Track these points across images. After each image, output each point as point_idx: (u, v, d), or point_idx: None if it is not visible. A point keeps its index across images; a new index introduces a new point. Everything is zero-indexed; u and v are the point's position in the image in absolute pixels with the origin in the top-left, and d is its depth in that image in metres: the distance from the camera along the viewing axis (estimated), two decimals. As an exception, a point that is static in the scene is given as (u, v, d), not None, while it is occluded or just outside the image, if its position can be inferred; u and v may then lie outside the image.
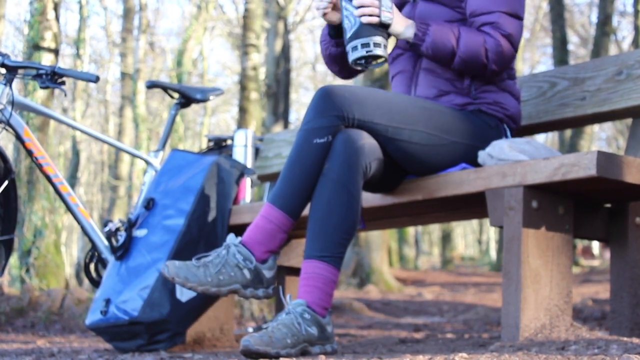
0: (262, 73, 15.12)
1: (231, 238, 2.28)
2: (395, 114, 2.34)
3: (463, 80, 2.48)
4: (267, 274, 2.28)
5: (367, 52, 2.34)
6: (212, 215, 3.02)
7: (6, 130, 3.05)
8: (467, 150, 2.44)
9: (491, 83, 2.50)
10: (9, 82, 3.05)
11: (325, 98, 2.29)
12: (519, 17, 2.44)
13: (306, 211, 2.29)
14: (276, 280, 2.36)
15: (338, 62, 2.62)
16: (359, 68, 2.41)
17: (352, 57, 2.36)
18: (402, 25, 2.41)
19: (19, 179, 6.75)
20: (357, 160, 2.25)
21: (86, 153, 25.23)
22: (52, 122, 7.30)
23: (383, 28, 2.37)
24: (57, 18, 7.32)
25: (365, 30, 2.35)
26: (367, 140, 2.29)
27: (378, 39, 2.35)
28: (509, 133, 2.53)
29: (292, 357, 2.08)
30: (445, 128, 2.40)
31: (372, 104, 2.32)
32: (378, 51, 2.34)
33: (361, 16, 2.34)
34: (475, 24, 2.44)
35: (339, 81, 22.19)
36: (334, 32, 2.54)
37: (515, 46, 2.43)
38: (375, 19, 2.34)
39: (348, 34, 2.37)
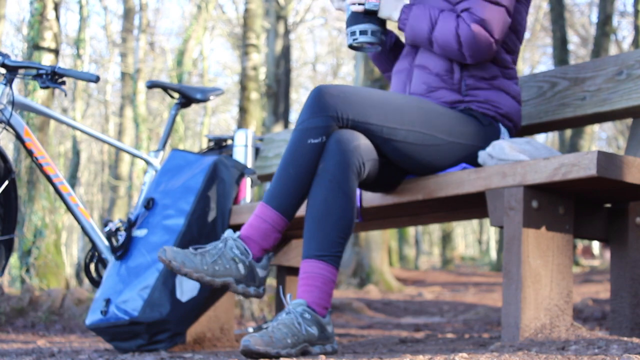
0: (262, 73, 15.12)
1: (229, 232, 2.28)
2: (390, 114, 2.33)
3: (453, 76, 2.47)
4: (261, 273, 2.28)
5: (353, 40, 2.49)
6: (212, 215, 3.02)
7: (6, 130, 3.05)
8: (466, 150, 2.43)
9: (483, 79, 2.48)
10: (9, 82, 3.05)
11: (319, 98, 2.28)
12: (496, 3, 2.40)
13: (302, 211, 2.29)
14: (267, 281, 2.35)
15: (382, 60, 2.72)
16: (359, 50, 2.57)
17: (347, 42, 2.52)
18: (391, 9, 2.48)
19: (19, 179, 6.75)
20: (350, 161, 2.24)
21: (86, 153, 25.24)
22: (52, 122, 7.31)
23: (372, 14, 2.47)
24: (57, 18, 7.33)
25: (354, 17, 2.49)
26: (361, 141, 2.28)
27: (364, 26, 2.48)
28: (505, 131, 2.51)
29: (293, 357, 2.07)
30: (441, 128, 2.39)
31: (367, 104, 2.31)
32: (363, 39, 2.48)
33: (351, 4, 2.48)
34: (456, 11, 2.45)
35: (338, 81, 22.21)
36: None
37: (491, 32, 2.38)
38: (360, 7, 2.46)
39: (346, 21, 2.53)
